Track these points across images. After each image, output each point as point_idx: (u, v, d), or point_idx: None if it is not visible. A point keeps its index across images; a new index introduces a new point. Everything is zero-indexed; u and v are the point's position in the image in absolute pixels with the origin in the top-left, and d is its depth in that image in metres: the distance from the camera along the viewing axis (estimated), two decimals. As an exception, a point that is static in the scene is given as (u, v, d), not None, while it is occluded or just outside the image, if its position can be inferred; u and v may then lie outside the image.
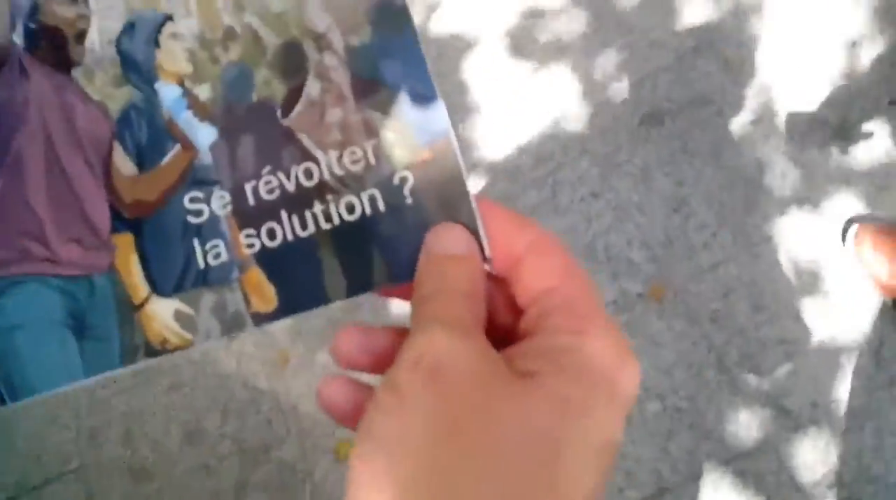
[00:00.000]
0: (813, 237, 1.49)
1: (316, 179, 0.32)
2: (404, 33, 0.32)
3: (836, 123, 1.56)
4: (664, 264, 1.51)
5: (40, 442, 1.54)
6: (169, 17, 0.33)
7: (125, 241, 0.33)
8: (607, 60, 1.69)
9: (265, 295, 0.31)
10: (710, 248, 1.51)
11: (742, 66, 1.63)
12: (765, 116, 1.58)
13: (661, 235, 1.53)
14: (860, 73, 1.60)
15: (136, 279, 0.32)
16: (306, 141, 0.32)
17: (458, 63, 1.74)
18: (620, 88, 1.66)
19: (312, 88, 0.33)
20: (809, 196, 1.52)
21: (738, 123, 1.59)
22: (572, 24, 1.74)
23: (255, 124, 0.33)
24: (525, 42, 1.74)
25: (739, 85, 1.62)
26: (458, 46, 1.75)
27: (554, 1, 1.75)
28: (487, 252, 0.30)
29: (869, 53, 1.61)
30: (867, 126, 1.55)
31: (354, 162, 0.32)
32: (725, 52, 1.65)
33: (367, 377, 0.31)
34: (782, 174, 1.53)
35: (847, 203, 1.50)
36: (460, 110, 1.69)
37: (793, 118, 1.57)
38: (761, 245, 1.50)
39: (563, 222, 1.56)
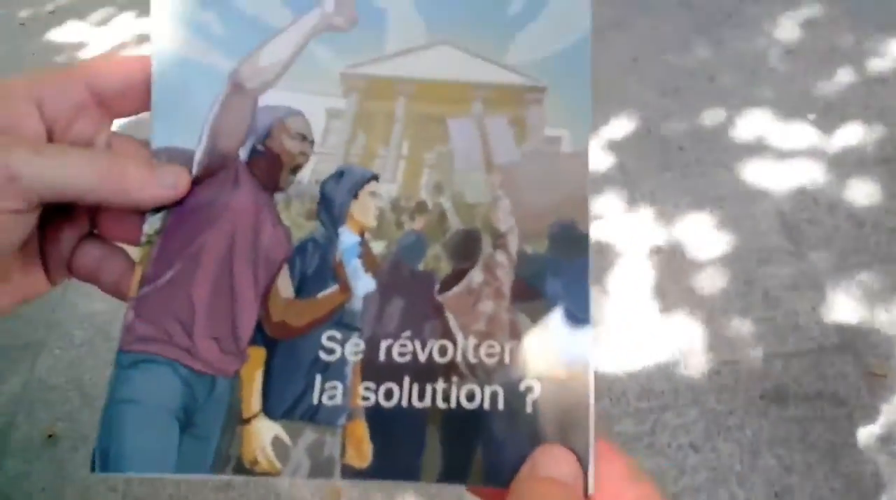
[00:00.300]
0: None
1: (448, 358, 0.33)
2: (578, 258, 0.34)
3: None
4: (747, 545, 1.42)
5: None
6: (375, 177, 0.36)
7: (258, 354, 0.34)
8: (743, 326, 1.71)
9: (362, 451, 0.31)
10: (802, 546, 1.40)
11: (884, 379, 1.59)
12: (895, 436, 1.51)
13: (753, 515, 1.45)
14: None
15: (253, 394, 0.33)
16: (452, 321, 0.33)
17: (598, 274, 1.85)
18: (750, 356, 1.66)
19: (476, 276, 0.34)
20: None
21: (866, 435, 1.52)
22: (716, 280, 1.81)
23: (412, 290, 0.34)
24: (665, 281, 1.82)
25: (876, 397, 1.57)
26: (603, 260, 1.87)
27: (704, 252, 1.84)
28: (591, 489, 0.29)
29: None
30: None
31: (490, 355, 0.32)
32: (868, 360, 1.62)
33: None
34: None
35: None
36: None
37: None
38: (859, 564, 1.38)
39: (652, 463, 1.52)
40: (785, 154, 2.08)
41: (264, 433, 0.32)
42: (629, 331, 1.76)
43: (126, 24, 3.46)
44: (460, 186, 0.35)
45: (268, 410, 0.33)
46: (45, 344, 2.03)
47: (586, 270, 0.33)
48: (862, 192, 1.94)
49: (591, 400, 0.31)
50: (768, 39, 2.46)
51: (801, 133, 2.12)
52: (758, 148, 2.11)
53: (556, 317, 0.33)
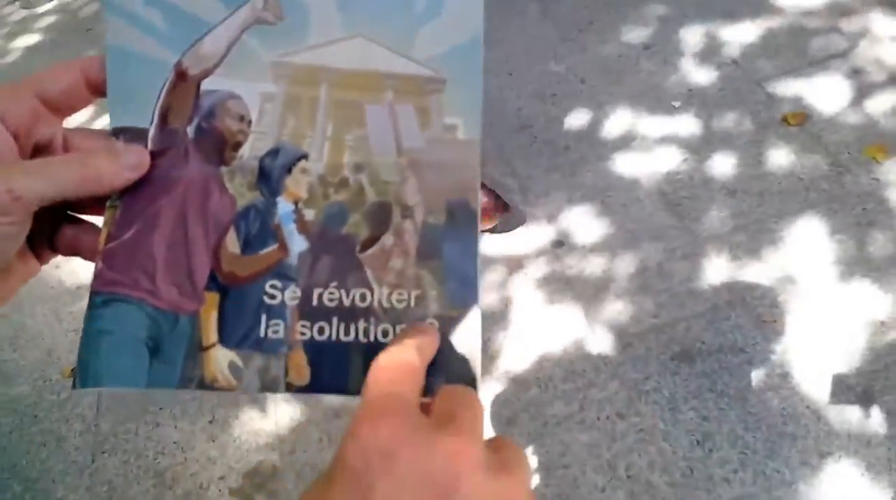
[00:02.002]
0: (834, 492, 1.51)
1: (367, 303, 0.40)
2: (469, 227, 0.40)
3: (859, 390, 1.63)
4: (683, 491, 1.54)
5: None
6: (305, 156, 0.42)
7: (213, 298, 0.40)
8: (645, 299, 1.86)
9: (301, 372, 0.39)
10: (730, 483, 1.54)
11: (774, 325, 1.76)
12: (792, 373, 1.67)
13: (683, 464, 1.58)
14: (885, 351, 1.69)
15: (210, 328, 0.39)
16: (370, 274, 0.40)
17: (505, 277, 2.00)
18: (656, 325, 1.81)
19: (387, 239, 0.40)
20: (831, 451, 1.56)
21: (767, 374, 1.68)
22: (615, 261, 1.96)
23: (337, 249, 0.40)
24: (570, 270, 1.96)
25: (770, 341, 1.74)
26: (508, 263, 2.00)
27: (600, 238, 2.00)
28: (480, 392, 0.37)
29: (894, 335, 1.72)
30: (888, 399, 1.61)
31: (399, 301, 0.39)
32: (758, 310, 1.79)
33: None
34: (805, 427, 1.59)
35: (867, 463, 1.53)
36: (500, 319, 1.89)
37: (819, 377, 1.66)
38: (781, 489, 1.52)
39: (586, 437, 1.64)
40: (658, 141, 2.26)
41: (221, 357, 0.39)
42: (546, 321, 1.89)
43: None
44: (376, 166, 0.41)
45: (224, 340, 0.39)
46: (-28, 437, 1.99)
47: (476, 237, 0.40)
48: (729, 164, 2.13)
49: (479, 330, 0.39)
50: (627, 40, 2.67)
51: (669, 120, 2.32)
52: (633, 138, 2.29)
53: (450, 272, 0.40)
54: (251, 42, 0.42)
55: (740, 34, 2.55)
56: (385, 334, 0.39)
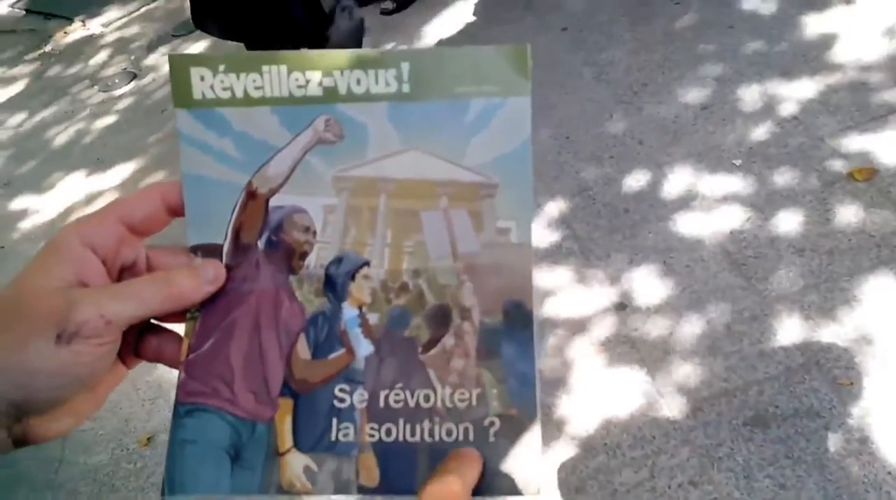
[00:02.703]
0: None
1: (431, 404, 0.41)
2: (526, 328, 0.41)
3: (950, 454, 1.56)
4: (760, 566, 1.48)
5: None
6: (367, 263, 0.44)
7: (287, 404, 0.42)
8: (714, 362, 1.82)
9: (372, 474, 0.40)
10: (811, 558, 1.47)
11: (850, 387, 1.70)
12: (872, 437, 1.61)
13: (760, 536, 1.52)
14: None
15: (285, 434, 0.41)
16: (432, 375, 0.41)
17: (568, 340, 1.98)
18: (727, 389, 1.77)
19: (448, 341, 0.42)
20: (921, 522, 1.48)
21: (845, 440, 1.62)
22: (680, 324, 1.93)
23: (401, 352, 0.42)
24: (634, 333, 1.94)
25: (847, 405, 1.67)
26: (570, 325, 1.99)
27: (663, 300, 1.97)
28: (542, 493, 0.40)
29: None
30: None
31: (461, 400, 0.41)
32: (833, 372, 1.73)
33: None
34: (888, 495, 1.52)
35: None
36: (563, 384, 1.87)
37: (903, 442, 1.59)
38: (867, 564, 1.45)
39: (658, 505, 1.60)
40: (720, 200, 2.25)
41: (297, 463, 0.40)
42: (610, 385, 1.86)
43: (77, 185, 3.62)
44: (433, 271, 0.43)
45: (298, 445, 0.41)
46: (52, 506, 2.05)
47: (532, 337, 0.41)
48: (795, 222, 2.10)
49: (538, 433, 0.40)
50: (683, 101, 2.68)
51: (730, 179, 2.30)
52: (694, 198, 2.28)
53: (510, 370, 0.41)
54: (314, 160, 0.45)
55: (799, 91, 2.53)
56: (449, 433, 0.40)
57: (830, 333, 1.81)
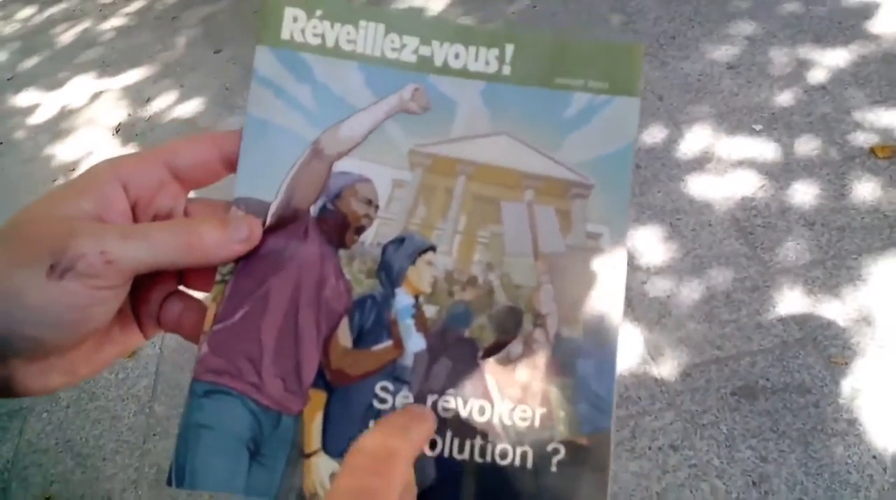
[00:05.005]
0: (898, 551, 1.42)
1: (486, 418, 0.36)
2: (609, 345, 0.37)
3: (936, 443, 1.54)
4: (732, 535, 1.48)
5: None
6: (432, 248, 0.39)
7: (319, 397, 0.37)
8: (709, 329, 1.79)
9: (411, 491, 0.34)
10: (783, 532, 1.47)
11: (845, 367, 1.67)
12: (860, 419, 1.59)
13: (735, 506, 1.51)
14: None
15: (314, 432, 0.37)
16: (491, 384, 0.37)
17: None
18: (719, 357, 1.74)
19: (515, 348, 0.37)
20: (898, 507, 1.47)
21: (833, 419, 1.60)
22: (680, 287, 1.89)
23: (458, 353, 0.37)
24: (633, 293, 1.90)
25: (839, 384, 1.65)
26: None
27: (667, 261, 1.93)
28: None
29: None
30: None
31: (522, 419, 0.36)
32: (829, 350, 1.70)
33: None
34: (870, 478, 1.50)
35: (939, 524, 1.44)
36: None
37: (889, 426, 1.57)
38: (839, 543, 1.44)
39: (636, 466, 1.59)
40: (735, 164, 2.18)
41: (324, 467, 0.36)
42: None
43: (81, 86, 3.55)
44: (509, 267, 0.39)
45: (327, 448, 0.36)
46: (32, 409, 2.05)
47: (614, 356, 0.37)
48: (810, 194, 2.04)
49: (611, 467, 0.36)
50: (710, 58, 2.59)
51: (749, 143, 2.23)
52: (709, 160, 2.21)
53: (584, 392, 0.36)
54: (392, 129, 0.41)
55: (830, 59, 2.44)
56: (503, 455, 0.36)
57: (831, 310, 1.78)
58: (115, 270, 0.34)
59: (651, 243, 2.02)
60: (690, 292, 1.89)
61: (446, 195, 0.40)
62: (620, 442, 1.63)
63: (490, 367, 0.37)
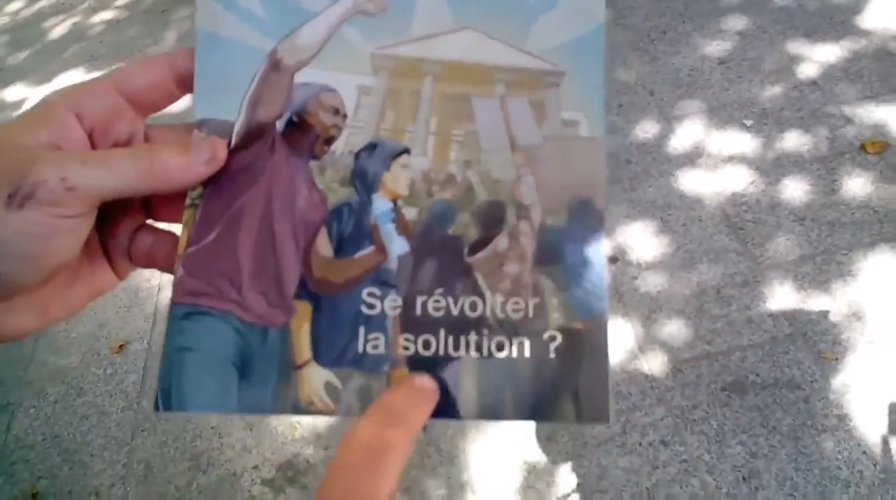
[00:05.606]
0: (886, 546, 1.42)
1: (478, 313, 0.36)
2: (594, 230, 0.37)
3: (925, 438, 1.54)
4: (722, 530, 1.48)
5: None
6: (406, 150, 0.38)
7: (304, 308, 0.36)
8: (699, 324, 1.79)
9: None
10: (773, 527, 1.47)
11: (835, 362, 1.68)
12: (850, 415, 1.59)
13: (725, 501, 1.51)
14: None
15: (303, 343, 0.36)
16: (481, 280, 0.36)
17: None
18: (709, 352, 1.74)
19: (502, 242, 0.37)
20: (887, 502, 1.47)
21: (823, 414, 1.60)
22: (670, 282, 1.89)
23: (443, 252, 0.37)
24: (623, 288, 1.90)
25: (829, 379, 1.65)
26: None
27: (656, 257, 1.93)
28: (610, 421, 0.36)
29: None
30: (959, 448, 1.52)
31: (516, 311, 0.36)
32: (819, 346, 1.71)
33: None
34: (860, 474, 1.51)
35: (927, 519, 1.44)
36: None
37: (879, 422, 1.57)
38: (828, 538, 1.44)
39: (626, 461, 1.59)
40: (726, 159, 2.18)
41: (317, 377, 0.35)
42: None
43: (71, 80, 3.51)
44: (487, 164, 0.38)
45: (318, 358, 0.36)
46: (20, 404, 2.04)
47: (601, 240, 0.37)
48: (800, 189, 2.04)
49: (608, 348, 0.36)
50: (701, 53, 2.58)
51: (739, 138, 2.23)
52: (699, 155, 2.21)
53: (574, 278, 0.36)
54: (350, 33, 0.39)
55: (821, 54, 2.44)
56: (500, 347, 0.35)
57: (822, 305, 1.78)
58: (77, 197, 0.33)
59: (642, 239, 2.02)
60: (681, 287, 1.89)
61: (414, 98, 0.39)
62: (611, 438, 1.63)
63: (477, 263, 0.37)
